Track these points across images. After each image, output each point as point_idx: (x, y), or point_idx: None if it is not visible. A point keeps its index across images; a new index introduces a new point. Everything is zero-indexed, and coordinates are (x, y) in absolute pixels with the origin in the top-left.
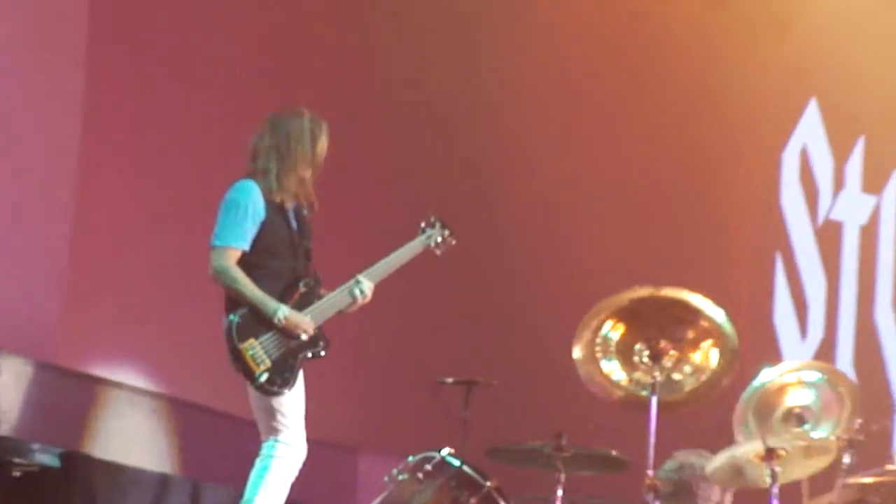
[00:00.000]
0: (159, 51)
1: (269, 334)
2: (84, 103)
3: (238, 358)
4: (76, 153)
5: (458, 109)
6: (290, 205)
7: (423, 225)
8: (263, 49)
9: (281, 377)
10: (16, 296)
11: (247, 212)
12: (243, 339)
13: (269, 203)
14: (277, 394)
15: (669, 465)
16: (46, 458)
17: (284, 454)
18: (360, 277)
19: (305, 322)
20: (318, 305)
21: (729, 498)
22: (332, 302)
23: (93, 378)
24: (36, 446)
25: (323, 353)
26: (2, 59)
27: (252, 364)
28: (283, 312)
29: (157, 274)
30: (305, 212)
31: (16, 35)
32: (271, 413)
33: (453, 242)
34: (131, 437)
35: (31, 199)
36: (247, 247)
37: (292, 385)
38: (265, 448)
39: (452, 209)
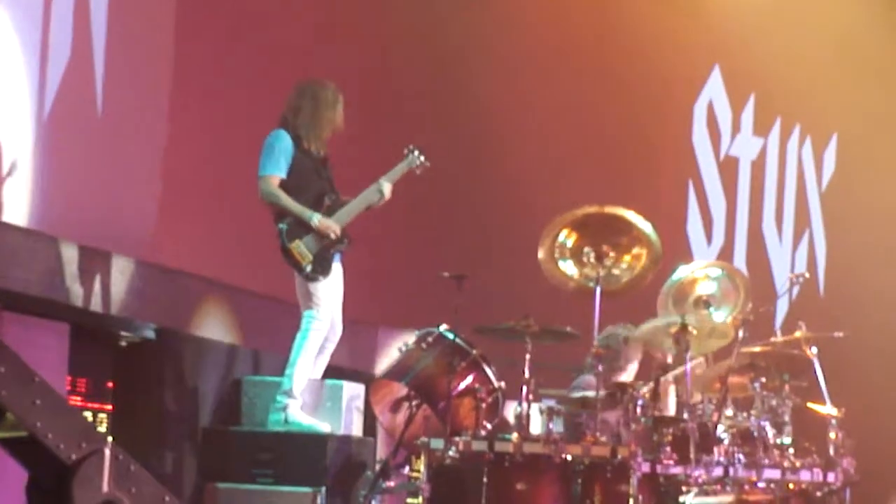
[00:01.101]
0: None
1: (309, 236)
2: (175, 53)
3: (288, 254)
4: (168, 93)
5: (449, 53)
6: (314, 148)
7: (405, 151)
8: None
9: (321, 266)
10: (120, 208)
11: (280, 150)
12: (291, 240)
13: (297, 145)
14: (317, 279)
15: (602, 334)
16: (145, 332)
17: (318, 327)
18: (382, 180)
19: (333, 225)
20: (343, 211)
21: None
22: (356, 205)
23: (180, 272)
24: (138, 323)
25: (345, 247)
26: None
27: (299, 258)
28: (317, 218)
29: (230, 191)
30: (326, 155)
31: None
32: (309, 296)
33: (428, 165)
34: (209, 317)
35: (130, 127)
36: (283, 175)
37: (328, 273)
38: (303, 321)
39: (453, 143)
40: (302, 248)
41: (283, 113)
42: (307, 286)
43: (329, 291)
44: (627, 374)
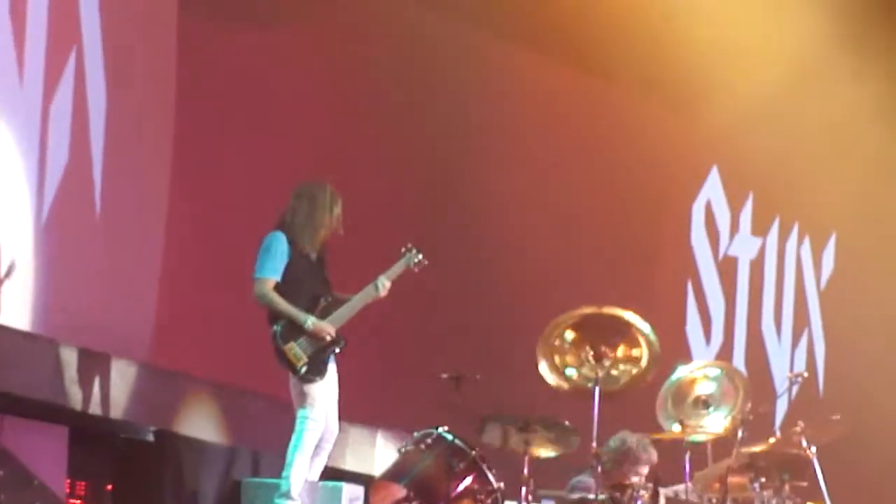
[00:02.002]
0: (238, 88)
1: (303, 338)
2: (173, 156)
3: (283, 356)
4: (165, 196)
5: (449, 153)
6: (310, 249)
7: (403, 250)
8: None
9: (315, 368)
10: (119, 310)
11: (277, 252)
12: (285, 342)
13: (293, 246)
14: (312, 381)
15: (614, 440)
16: (145, 434)
17: (312, 427)
18: (381, 277)
19: (328, 327)
20: (336, 313)
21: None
22: (352, 305)
23: (179, 374)
24: (137, 425)
25: (340, 348)
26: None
27: (293, 360)
28: (310, 321)
29: (228, 293)
30: (323, 254)
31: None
32: (304, 396)
33: (425, 263)
34: (208, 418)
35: (128, 229)
36: (278, 277)
37: (324, 374)
38: (298, 422)
39: (450, 244)
40: (297, 350)
41: (281, 214)
42: (301, 387)
43: (324, 392)
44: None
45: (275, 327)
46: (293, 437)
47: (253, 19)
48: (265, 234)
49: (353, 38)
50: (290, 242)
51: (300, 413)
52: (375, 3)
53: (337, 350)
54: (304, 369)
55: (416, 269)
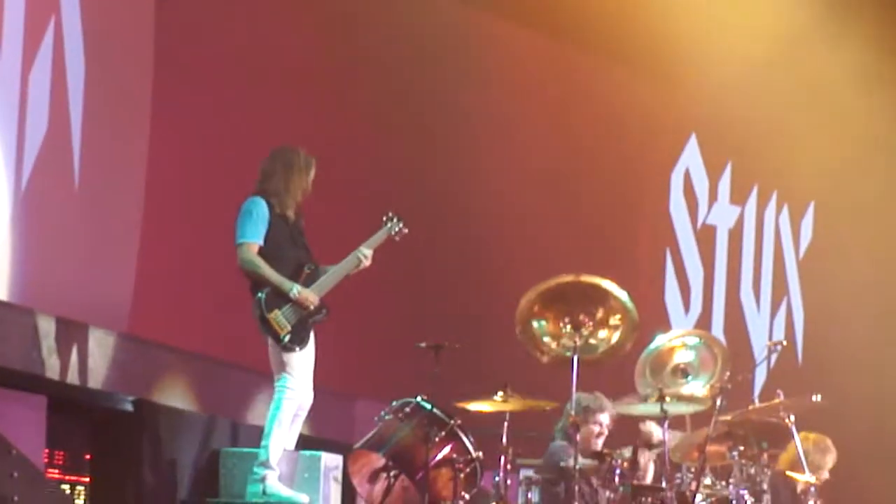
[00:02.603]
0: (216, 57)
1: (287, 306)
2: (151, 125)
3: (266, 324)
4: (144, 165)
5: (429, 124)
6: (289, 213)
7: (384, 218)
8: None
9: (298, 337)
10: (97, 280)
11: (258, 217)
12: (270, 309)
13: (272, 212)
14: (293, 350)
15: (569, 405)
16: (123, 404)
17: (291, 396)
18: (361, 247)
19: (312, 295)
20: (320, 281)
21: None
22: (335, 273)
23: (157, 344)
24: (115, 395)
25: (324, 317)
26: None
27: (277, 328)
28: (296, 289)
29: (207, 263)
30: (300, 219)
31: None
32: (283, 365)
33: (406, 231)
34: (186, 388)
35: (107, 199)
36: (261, 241)
37: (305, 343)
38: (277, 391)
39: (429, 212)
40: (280, 319)
41: (257, 180)
42: (281, 355)
43: (302, 360)
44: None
45: (259, 294)
46: (271, 406)
47: None
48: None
49: (337, 7)
50: (269, 207)
51: (279, 381)
52: None
53: (319, 319)
54: (287, 338)
55: (398, 238)
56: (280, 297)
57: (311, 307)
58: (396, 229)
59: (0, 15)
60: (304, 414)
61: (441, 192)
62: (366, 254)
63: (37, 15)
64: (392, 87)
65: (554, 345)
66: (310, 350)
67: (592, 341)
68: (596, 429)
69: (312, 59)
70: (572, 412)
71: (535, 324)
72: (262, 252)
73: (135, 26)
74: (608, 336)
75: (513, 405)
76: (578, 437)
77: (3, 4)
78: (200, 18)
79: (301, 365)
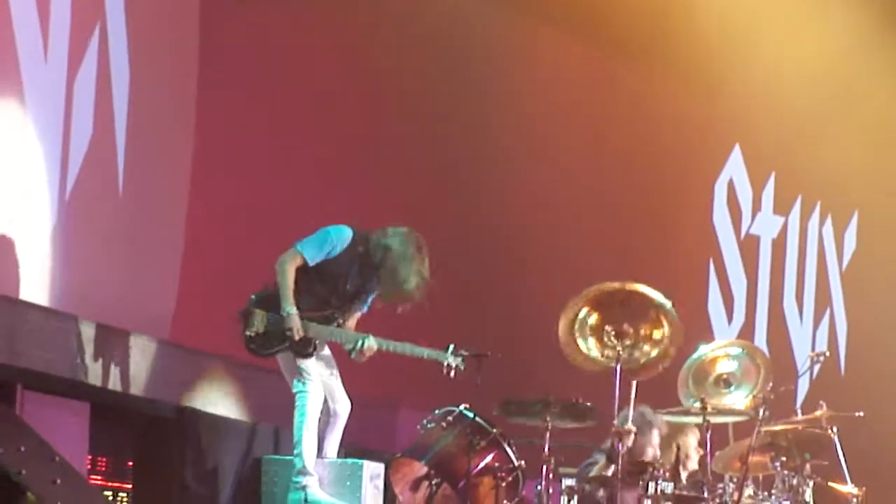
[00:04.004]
0: (260, 67)
1: (273, 313)
2: (196, 130)
3: (245, 314)
4: (189, 172)
5: (469, 134)
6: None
7: (451, 347)
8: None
9: (258, 344)
10: (140, 287)
11: (331, 245)
12: (257, 304)
13: (348, 253)
14: (250, 350)
15: (621, 417)
16: (165, 411)
17: (312, 400)
18: (370, 336)
19: (298, 329)
20: (326, 328)
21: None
22: (340, 334)
23: (200, 351)
24: (157, 402)
25: (302, 356)
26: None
27: (248, 323)
28: (287, 310)
29: (250, 270)
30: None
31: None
32: (296, 371)
33: (462, 369)
34: (229, 395)
35: (151, 205)
36: (311, 263)
37: (263, 352)
38: (297, 398)
39: (473, 221)
40: (257, 319)
41: (375, 234)
42: (292, 362)
43: (319, 366)
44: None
45: (263, 289)
46: (296, 413)
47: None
48: (292, 211)
49: (375, 21)
50: (350, 248)
51: (296, 387)
52: None
53: (299, 351)
54: (247, 334)
55: (445, 372)
56: (275, 305)
57: (295, 336)
58: (454, 364)
59: (46, 21)
60: (343, 422)
61: (481, 202)
62: (369, 341)
63: (82, 21)
64: (434, 98)
65: (596, 354)
66: (326, 357)
67: (636, 352)
68: (648, 450)
69: (351, 65)
70: (629, 423)
71: (577, 332)
72: (306, 273)
73: (180, 32)
74: (652, 346)
75: None
76: (629, 446)
77: (49, 11)
78: (246, 25)
79: (317, 368)
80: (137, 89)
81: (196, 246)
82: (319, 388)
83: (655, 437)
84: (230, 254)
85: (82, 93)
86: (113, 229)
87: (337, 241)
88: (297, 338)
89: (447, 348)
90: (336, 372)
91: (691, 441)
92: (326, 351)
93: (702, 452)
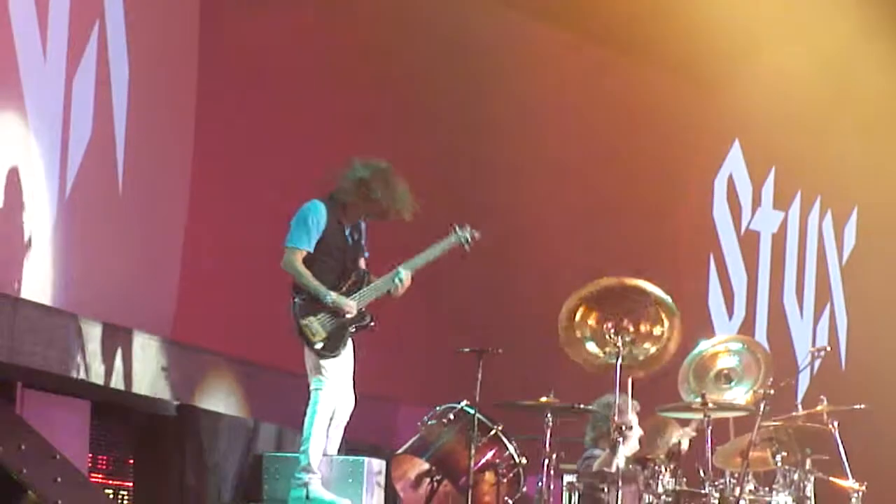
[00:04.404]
0: (260, 66)
1: (324, 313)
2: (196, 131)
3: (300, 330)
4: (189, 171)
5: (472, 131)
6: (346, 221)
7: (455, 226)
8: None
9: (332, 344)
10: (141, 285)
11: (312, 224)
12: (304, 315)
13: (330, 219)
14: (328, 357)
15: (598, 405)
16: (166, 409)
17: (326, 398)
18: (400, 268)
19: (349, 304)
20: (363, 291)
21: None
22: (376, 287)
23: (201, 349)
24: (158, 400)
25: (371, 325)
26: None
27: (310, 335)
28: (330, 297)
29: (251, 268)
30: (363, 225)
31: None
32: (318, 368)
33: (479, 237)
34: (230, 393)
35: (151, 204)
36: (310, 248)
37: (339, 351)
38: (312, 394)
39: (472, 218)
40: (315, 325)
41: (340, 182)
42: (316, 359)
43: (339, 365)
44: (632, 444)
45: (295, 299)
46: (308, 411)
47: None
48: (292, 208)
49: (379, 20)
50: (329, 216)
51: (314, 385)
52: None
53: (363, 327)
54: (320, 344)
55: (468, 247)
56: (316, 303)
57: (349, 315)
58: (469, 237)
59: (44, 20)
60: (346, 419)
61: (480, 198)
62: (401, 276)
63: (81, 20)
64: (437, 97)
65: (597, 351)
66: (347, 355)
67: (636, 348)
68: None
69: (354, 72)
70: (615, 418)
71: (577, 329)
72: (310, 257)
73: (179, 31)
74: (652, 341)
75: None
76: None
77: (48, 9)
78: (247, 25)
79: (337, 369)
80: (137, 88)
81: (197, 244)
82: (335, 388)
83: (635, 417)
84: (230, 251)
85: (81, 92)
86: (113, 228)
87: (314, 214)
88: (355, 313)
89: (453, 231)
90: (351, 367)
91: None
92: (349, 347)
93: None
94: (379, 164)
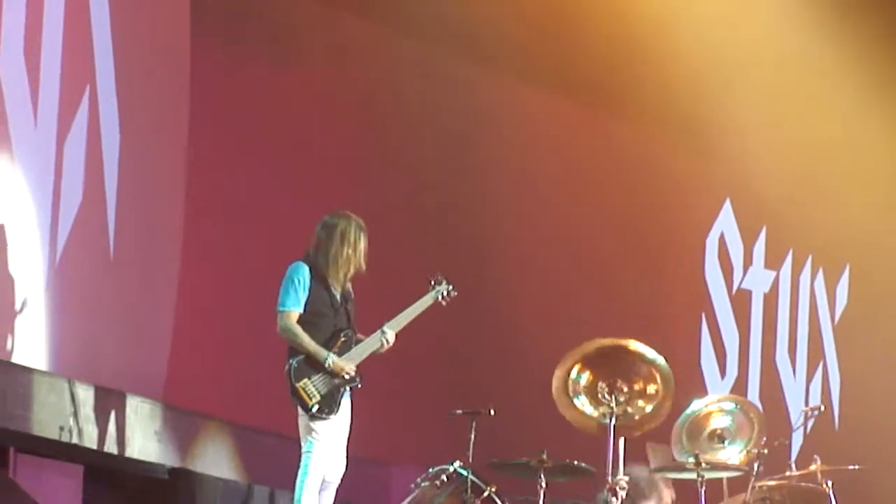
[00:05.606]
0: (250, 129)
1: (319, 375)
2: (187, 193)
3: (296, 393)
4: (181, 232)
5: (460, 190)
6: (332, 280)
7: (432, 282)
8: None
9: (328, 406)
10: (134, 348)
11: (299, 284)
12: (298, 379)
13: (314, 278)
14: (323, 419)
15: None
16: (159, 472)
17: (317, 461)
18: (385, 328)
19: (348, 365)
20: (354, 350)
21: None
22: (365, 346)
23: (194, 412)
24: (151, 464)
25: (359, 385)
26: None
27: (306, 398)
28: (331, 359)
29: (243, 331)
30: (346, 285)
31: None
32: (310, 430)
33: (455, 294)
34: (224, 456)
35: (142, 268)
36: (300, 309)
37: (335, 412)
38: (303, 457)
39: (462, 279)
40: (310, 388)
41: (311, 243)
42: (309, 422)
43: (333, 428)
44: None
45: (291, 362)
46: (299, 473)
47: (267, 53)
48: (283, 271)
49: (368, 76)
50: (313, 274)
51: (305, 448)
52: (393, 41)
53: (352, 386)
54: (315, 407)
55: (445, 303)
56: (311, 366)
57: (346, 376)
58: (445, 293)
59: (36, 83)
60: (336, 482)
61: (473, 257)
62: (387, 335)
63: (72, 83)
64: (423, 155)
65: (591, 411)
66: (343, 418)
67: (630, 408)
68: None
69: (344, 129)
70: (608, 479)
71: (571, 388)
72: (302, 318)
73: (170, 95)
74: (645, 402)
75: None
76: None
77: (39, 73)
78: (235, 88)
79: (330, 431)
80: (128, 151)
81: (189, 306)
82: (327, 450)
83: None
84: (223, 313)
85: (72, 156)
86: (105, 291)
87: (299, 275)
88: (352, 373)
89: (430, 286)
90: (347, 431)
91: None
92: (347, 408)
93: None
94: (333, 215)
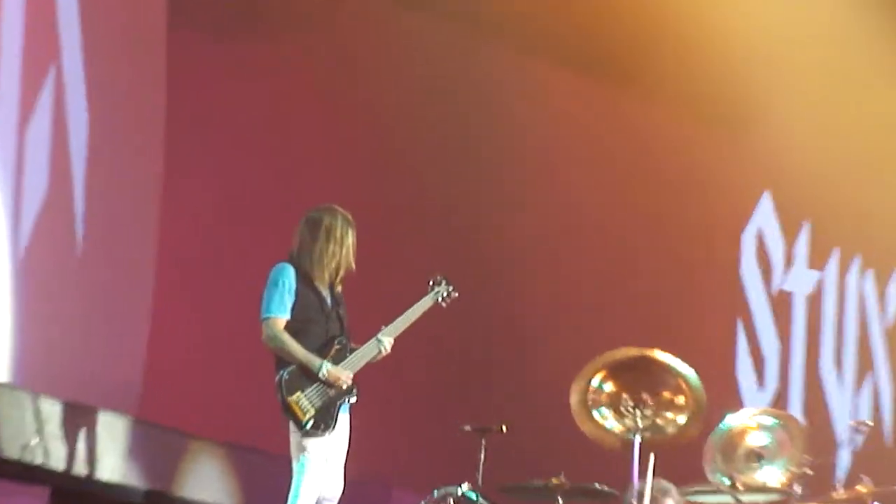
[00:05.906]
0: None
1: (312, 387)
2: (164, 182)
3: (288, 409)
4: (157, 226)
5: (473, 186)
6: (319, 282)
7: (431, 283)
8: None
9: (323, 421)
10: (105, 358)
11: (284, 287)
12: (291, 392)
13: (301, 280)
14: (316, 435)
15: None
16: (133, 496)
17: (309, 481)
18: (380, 336)
19: (345, 374)
20: (350, 359)
21: None
22: (361, 355)
23: (171, 429)
24: (125, 486)
25: (354, 400)
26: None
27: (299, 413)
28: (325, 367)
29: (224, 339)
30: (336, 288)
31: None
32: (302, 448)
33: (456, 295)
34: (203, 477)
35: (114, 267)
36: (288, 315)
37: (331, 427)
38: (295, 476)
39: (476, 284)
40: (304, 402)
41: (294, 243)
42: (301, 439)
43: (327, 445)
44: None
45: (281, 374)
46: (289, 496)
47: (247, 32)
48: (267, 269)
49: (357, 53)
50: (299, 276)
51: (297, 467)
52: (383, 16)
53: (349, 400)
54: (309, 424)
55: (445, 305)
56: (304, 378)
57: (344, 386)
58: (445, 294)
59: None
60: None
61: (485, 262)
62: (384, 343)
63: (35, 63)
64: (431, 143)
65: (613, 426)
66: (341, 435)
67: (658, 422)
68: None
69: (338, 117)
70: (633, 500)
71: (592, 403)
72: (290, 326)
73: (144, 74)
74: (674, 417)
75: None
76: None
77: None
78: (214, 62)
79: (324, 449)
80: (97, 137)
81: (166, 312)
82: (320, 470)
83: None
84: (203, 320)
85: (35, 142)
86: (72, 293)
87: (284, 277)
88: (349, 382)
89: (429, 288)
90: (345, 449)
91: None
92: (344, 423)
93: None
94: (316, 210)
